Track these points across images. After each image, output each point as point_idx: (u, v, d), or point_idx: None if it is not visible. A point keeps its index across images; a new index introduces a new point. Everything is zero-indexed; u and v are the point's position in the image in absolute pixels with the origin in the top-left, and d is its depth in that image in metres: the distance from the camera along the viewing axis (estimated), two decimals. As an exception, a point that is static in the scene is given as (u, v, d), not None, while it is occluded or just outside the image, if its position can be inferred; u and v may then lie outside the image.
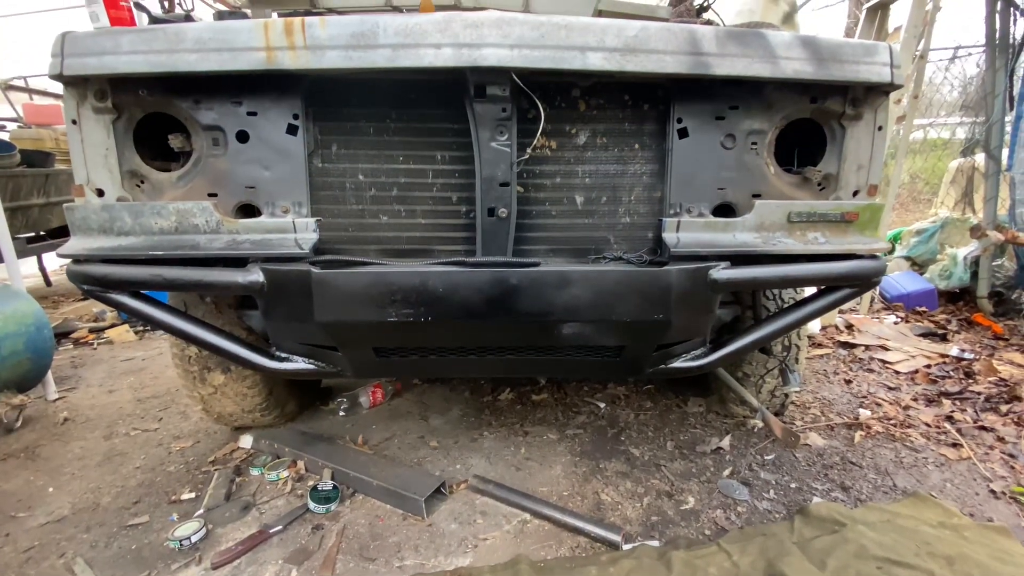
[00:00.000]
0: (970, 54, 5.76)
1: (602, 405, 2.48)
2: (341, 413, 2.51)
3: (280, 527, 1.68)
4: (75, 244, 1.38)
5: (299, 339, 1.37)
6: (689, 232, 1.45)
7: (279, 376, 1.46)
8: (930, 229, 4.25)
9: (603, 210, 1.59)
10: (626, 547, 1.52)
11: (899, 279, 4.01)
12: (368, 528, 1.68)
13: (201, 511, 1.79)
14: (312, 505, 1.76)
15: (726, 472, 1.91)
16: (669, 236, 1.44)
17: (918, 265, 4.29)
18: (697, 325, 1.39)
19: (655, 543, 1.54)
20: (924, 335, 3.41)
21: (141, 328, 4.38)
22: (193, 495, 1.91)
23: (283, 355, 1.46)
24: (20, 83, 6.57)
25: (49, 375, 2.97)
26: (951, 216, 4.28)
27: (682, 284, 1.28)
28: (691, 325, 1.36)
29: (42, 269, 6.19)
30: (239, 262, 1.36)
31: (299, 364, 1.45)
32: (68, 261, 1.38)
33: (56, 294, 5.77)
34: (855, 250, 1.48)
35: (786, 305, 1.78)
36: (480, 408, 2.53)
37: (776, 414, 2.21)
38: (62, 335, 4.26)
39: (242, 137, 1.49)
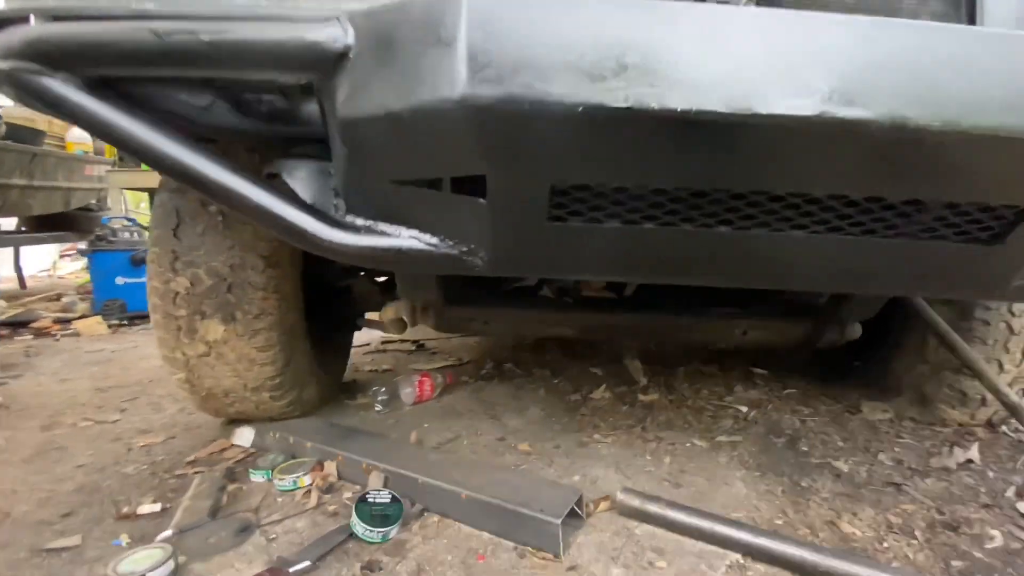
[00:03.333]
0: None
1: (744, 409, 1.80)
2: (378, 407, 1.80)
3: (306, 563, 0.95)
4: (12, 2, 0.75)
5: (404, 171, 0.69)
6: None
7: (358, 260, 0.79)
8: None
9: None
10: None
11: None
12: (463, 571, 0.96)
13: (169, 532, 1.07)
14: (360, 528, 1.04)
15: (1008, 492, 1.22)
16: None
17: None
18: None
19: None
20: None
21: (116, 321, 3.67)
22: (158, 507, 1.18)
23: (363, 222, 0.78)
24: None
25: (-14, 356, 2.27)
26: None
27: None
28: None
29: (18, 269, 5.52)
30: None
31: (394, 239, 0.76)
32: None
33: (29, 296, 5.06)
34: None
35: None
36: (571, 408, 1.83)
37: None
38: (20, 324, 3.56)
39: None
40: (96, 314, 3.77)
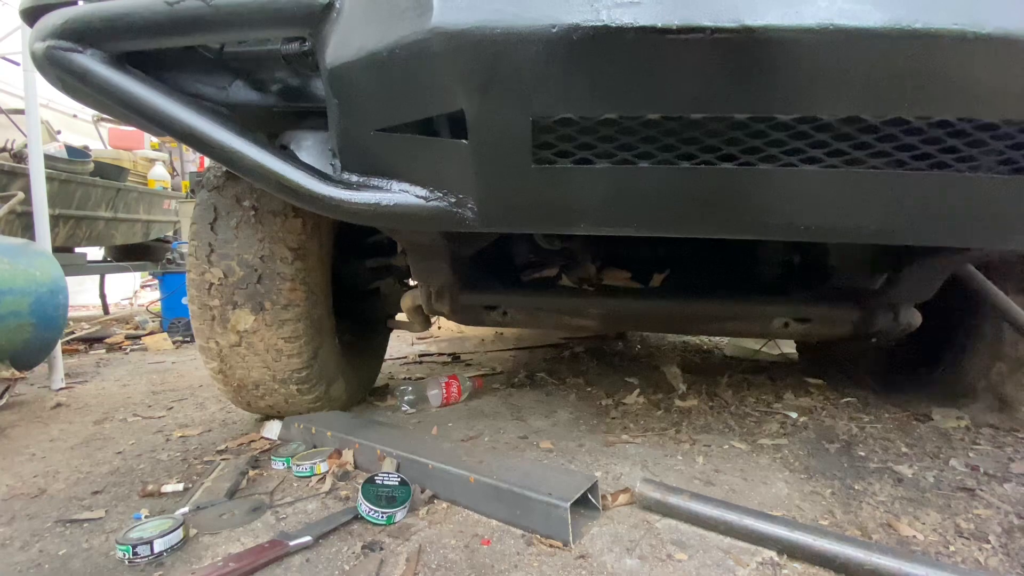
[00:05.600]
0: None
1: (793, 415, 1.65)
2: (404, 407, 1.79)
3: (307, 538, 0.93)
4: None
5: (388, 117, 0.70)
6: None
7: (353, 216, 0.79)
8: None
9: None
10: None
11: None
12: (465, 555, 0.91)
13: (185, 509, 1.08)
14: (365, 509, 1.01)
15: (1114, 506, 1.03)
16: None
17: None
18: None
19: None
20: None
21: (180, 337, 3.92)
22: (180, 487, 1.21)
23: (356, 179, 0.78)
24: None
25: (58, 362, 2.46)
26: None
27: None
28: None
29: (103, 296, 6.06)
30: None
31: (386, 193, 0.76)
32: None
33: (110, 319, 5.52)
34: None
35: None
36: (600, 411, 1.75)
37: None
38: (95, 340, 3.88)
39: None
40: (163, 332, 4.06)
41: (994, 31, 0.56)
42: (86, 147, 6.04)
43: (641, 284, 1.51)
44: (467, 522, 1.02)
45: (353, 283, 1.85)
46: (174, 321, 4.13)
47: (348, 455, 1.29)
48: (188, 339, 3.96)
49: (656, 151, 0.66)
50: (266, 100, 0.90)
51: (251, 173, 0.79)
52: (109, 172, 5.08)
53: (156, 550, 0.91)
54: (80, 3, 0.81)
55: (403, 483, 1.07)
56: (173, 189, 6.29)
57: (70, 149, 4.79)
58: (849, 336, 1.33)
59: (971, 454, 1.30)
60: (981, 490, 1.10)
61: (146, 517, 1.06)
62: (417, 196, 0.75)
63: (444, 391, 1.86)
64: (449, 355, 2.88)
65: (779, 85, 0.60)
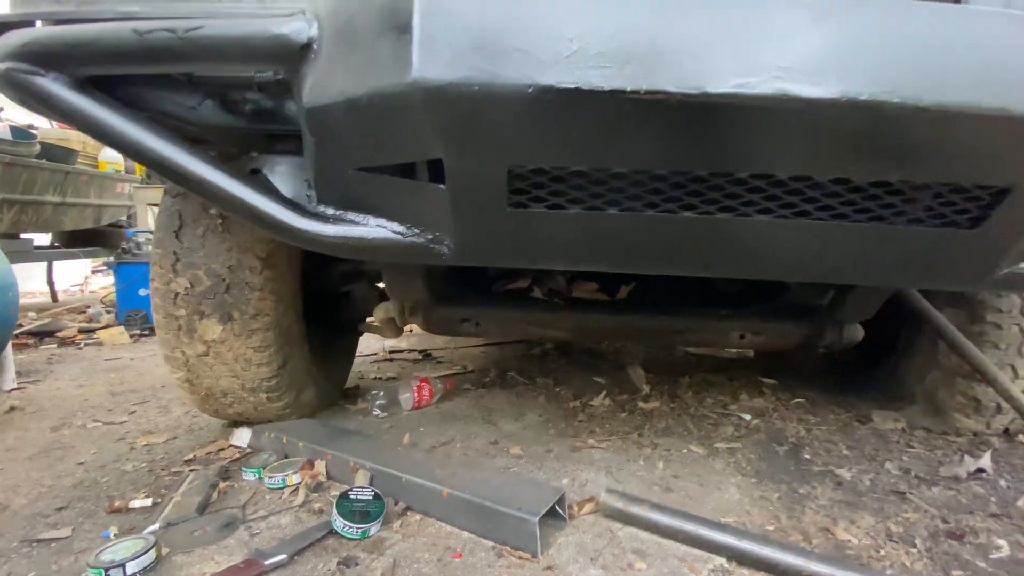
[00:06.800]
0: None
1: (747, 417, 1.75)
2: (376, 411, 1.81)
3: (282, 556, 0.95)
4: (11, 7, 0.80)
5: (366, 158, 0.71)
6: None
7: (329, 249, 0.80)
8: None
9: None
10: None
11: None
12: (438, 568, 0.95)
13: (156, 526, 1.08)
14: (340, 524, 1.04)
15: (1020, 502, 1.16)
16: None
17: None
18: None
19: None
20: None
21: (138, 331, 3.79)
22: (149, 502, 1.20)
23: (333, 212, 0.79)
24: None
25: (9, 361, 2.36)
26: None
27: None
28: None
29: (51, 283, 5.76)
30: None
31: (362, 227, 0.77)
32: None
33: (60, 309, 5.26)
34: None
35: None
36: (568, 414, 1.81)
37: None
38: (46, 334, 3.70)
39: None
40: (119, 324, 3.90)
41: (930, 104, 0.61)
42: (31, 127, 5.67)
43: (608, 296, 1.57)
44: (439, 535, 1.06)
45: (324, 287, 1.84)
46: (130, 313, 3.98)
47: (320, 466, 1.31)
48: (146, 332, 3.83)
49: (624, 199, 0.70)
50: (238, 122, 0.89)
51: (225, 204, 0.79)
52: (56, 154, 4.80)
53: (129, 572, 0.91)
54: (38, 24, 0.78)
55: (377, 497, 1.10)
56: (127, 172, 5.98)
57: (14, 129, 4.51)
58: (799, 347, 1.42)
59: (905, 457, 1.42)
60: (911, 493, 1.21)
61: (116, 536, 1.06)
62: (394, 232, 0.77)
63: (416, 394, 1.89)
64: (420, 352, 2.90)
65: (736, 146, 0.64)
